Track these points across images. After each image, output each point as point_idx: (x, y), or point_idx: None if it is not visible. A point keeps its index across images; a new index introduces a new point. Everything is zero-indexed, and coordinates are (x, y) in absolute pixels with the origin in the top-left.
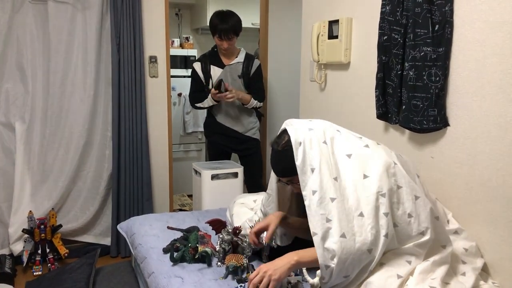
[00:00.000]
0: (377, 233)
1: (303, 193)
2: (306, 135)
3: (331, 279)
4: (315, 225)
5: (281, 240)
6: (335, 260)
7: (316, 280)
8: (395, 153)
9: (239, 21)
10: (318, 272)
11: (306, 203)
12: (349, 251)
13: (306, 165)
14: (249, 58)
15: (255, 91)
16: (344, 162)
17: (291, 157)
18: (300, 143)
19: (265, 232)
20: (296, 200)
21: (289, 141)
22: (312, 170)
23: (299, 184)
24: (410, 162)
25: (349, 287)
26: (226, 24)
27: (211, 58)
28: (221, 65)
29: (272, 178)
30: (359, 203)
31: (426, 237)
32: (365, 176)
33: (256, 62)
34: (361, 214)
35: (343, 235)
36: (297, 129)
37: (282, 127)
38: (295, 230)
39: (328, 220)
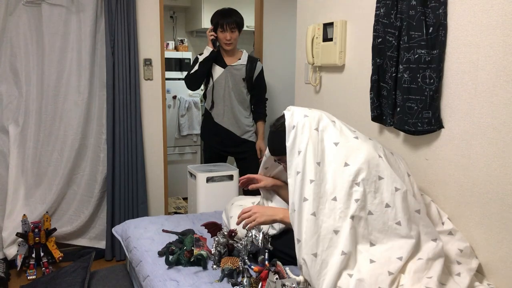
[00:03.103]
0: (345, 217)
1: (288, 172)
2: (300, 120)
3: (301, 253)
4: (294, 203)
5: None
6: (302, 236)
7: (302, 276)
8: (385, 149)
9: (241, 17)
10: None
11: (289, 181)
12: (314, 229)
13: (294, 147)
14: (252, 61)
15: (256, 102)
16: (331, 149)
17: (282, 138)
18: (293, 127)
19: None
20: None
21: (283, 124)
22: (299, 153)
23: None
24: (401, 160)
25: (321, 268)
26: (229, 18)
27: (215, 56)
28: (223, 64)
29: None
30: (335, 188)
31: (404, 228)
32: (346, 164)
33: (259, 66)
34: (334, 199)
35: (313, 214)
36: (293, 114)
37: (283, 112)
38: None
39: (304, 200)
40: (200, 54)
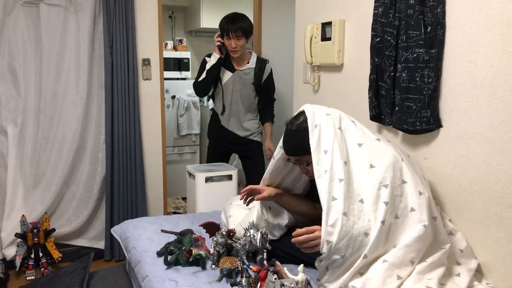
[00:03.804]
0: (374, 219)
1: (315, 172)
2: (323, 118)
3: (329, 255)
4: (323, 203)
5: (277, 231)
6: (334, 237)
7: (300, 276)
8: (404, 152)
9: (248, 23)
10: (300, 267)
11: (318, 181)
12: (347, 230)
13: (320, 146)
14: (260, 63)
15: (264, 104)
16: (354, 150)
17: (303, 137)
18: (316, 126)
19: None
20: (301, 180)
21: (304, 122)
22: (325, 152)
23: (306, 165)
24: (417, 164)
25: (342, 270)
26: (235, 24)
27: (224, 61)
28: (232, 69)
29: (278, 155)
30: (361, 190)
31: (424, 229)
32: (371, 166)
33: (268, 68)
34: (361, 201)
35: (344, 214)
36: (315, 112)
37: (300, 109)
38: (289, 208)
39: (333, 199)
40: (208, 56)
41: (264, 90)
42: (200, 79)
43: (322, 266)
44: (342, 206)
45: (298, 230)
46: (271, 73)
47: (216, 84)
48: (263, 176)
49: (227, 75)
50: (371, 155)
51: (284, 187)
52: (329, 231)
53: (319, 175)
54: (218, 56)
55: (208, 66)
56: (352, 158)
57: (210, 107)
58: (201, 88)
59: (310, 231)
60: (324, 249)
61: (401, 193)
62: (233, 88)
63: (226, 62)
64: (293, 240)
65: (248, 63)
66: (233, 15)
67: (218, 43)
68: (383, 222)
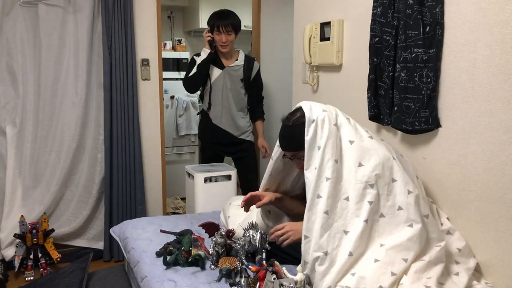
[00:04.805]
0: (357, 218)
1: (305, 167)
2: (320, 114)
3: (310, 251)
4: (307, 200)
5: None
6: (314, 232)
7: (299, 276)
8: (396, 151)
9: (238, 19)
10: (298, 267)
11: (307, 175)
12: (326, 228)
13: (315, 142)
14: (249, 61)
15: (253, 102)
16: (346, 147)
17: (299, 133)
18: (313, 121)
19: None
20: (300, 181)
21: (300, 117)
22: (319, 148)
23: (302, 160)
24: (410, 163)
25: (328, 267)
26: (225, 20)
27: (213, 57)
28: (220, 66)
29: (276, 154)
30: (348, 188)
31: (416, 229)
32: (360, 165)
33: (256, 65)
34: (346, 198)
35: (326, 212)
36: (312, 108)
37: (297, 106)
38: (288, 211)
39: (318, 197)
40: (196, 55)
41: (253, 87)
42: (190, 74)
43: (309, 268)
44: (325, 205)
45: (271, 230)
46: (259, 70)
47: (205, 83)
48: (262, 181)
49: (216, 72)
50: (362, 154)
51: (283, 189)
52: (309, 227)
53: (309, 171)
54: (209, 51)
55: (198, 61)
56: (344, 155)
57: (197, 112)
58: (194, 82)
59: (278, 228)
60: (302, 243)
61: (389, 192)
62: (223, 84)
63: (215, 59)
64: (270, 238)
65: (236, 60)
66: (223, 11)
67: (209, 38)
68: (366, 221)
